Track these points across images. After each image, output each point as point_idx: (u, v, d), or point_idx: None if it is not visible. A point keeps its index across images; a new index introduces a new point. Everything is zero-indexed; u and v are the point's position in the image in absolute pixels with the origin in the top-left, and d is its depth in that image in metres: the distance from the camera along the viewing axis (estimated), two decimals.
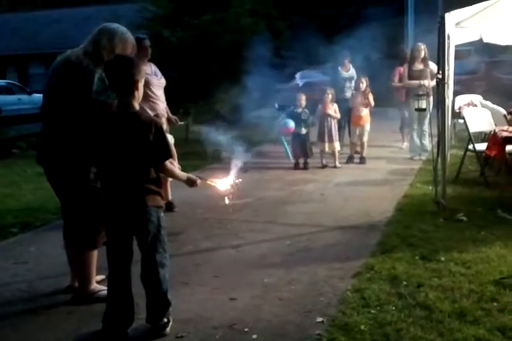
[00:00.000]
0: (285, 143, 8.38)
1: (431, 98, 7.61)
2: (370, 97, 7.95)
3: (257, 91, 12.55)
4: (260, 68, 11.56)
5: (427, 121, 7.88)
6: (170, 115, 5.62)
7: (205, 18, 11.49)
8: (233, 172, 3.37)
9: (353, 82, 8.53)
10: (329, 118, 7.72)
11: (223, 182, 3.30)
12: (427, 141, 7.95)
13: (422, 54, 7.90)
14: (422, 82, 7.76)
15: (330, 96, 7.74)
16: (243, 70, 11.45)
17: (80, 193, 3.20)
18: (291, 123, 7.74)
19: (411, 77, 7.93)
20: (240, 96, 12.38)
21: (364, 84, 7.93)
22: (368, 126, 8.00)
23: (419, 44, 8.16)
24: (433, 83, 7.67)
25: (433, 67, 7.92)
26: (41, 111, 3.33)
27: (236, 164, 3.40)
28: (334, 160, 7.74)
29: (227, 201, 3.33)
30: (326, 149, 7.73)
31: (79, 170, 3.16)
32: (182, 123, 5.98)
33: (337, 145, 7.78)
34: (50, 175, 3.28)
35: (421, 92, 7.24)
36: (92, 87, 3.09)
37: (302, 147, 7.74)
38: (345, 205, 5.57)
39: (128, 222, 2.82)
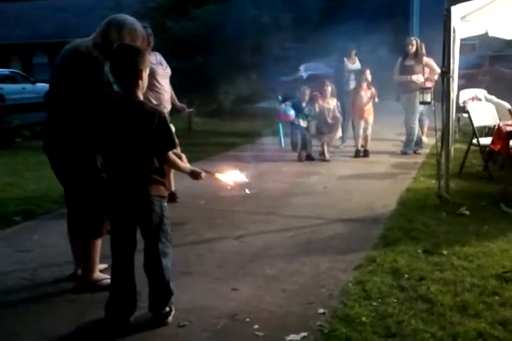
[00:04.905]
0: (280, 130, 8.37)
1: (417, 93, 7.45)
2: (373, 91, 7.93)
3: (261, 83, 12.56)
4: (264, 60, 11.54)
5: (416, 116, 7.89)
6: (177, 103, 5.61)
7: (207, 8, 11.45)
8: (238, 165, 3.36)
9: None
10: (326, 111, 7.71)
11: (228, 175, 3.29)
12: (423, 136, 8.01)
13: (413, 49, 7.82)
14: (409, 77, 7.72)
15: (329, 89, 7.72)
16: (246, 62, 11.43)
17: (85, 182, 3.20)
18: (292, 112, 7.75)
19: (401, 72, 7.88)
20: (244, 87, 12.38)
21: (369, 76, 7.91)
22: (371, 119, 8.00)
23: (411, 38, 8.07)
24: (421, 79, 7.65)
25: (430, 62, 7.89)
26: (46, 99, 3.32)
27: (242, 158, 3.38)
28: (326, 150, 7.74)
29: (247, 191, 3.29)
30: (325, 140, 7.73)
31: (84, 158, 3.16)
32: (191, 110, 5.93)
33: (336, 136, 7.80)
34: (56, 163, 3.27)
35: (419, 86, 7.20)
36: (101, 78, 3.09)
37: (302, 140, 7.74)
38: (348, 198, 5.57)
39: (131, 211, 2.83)
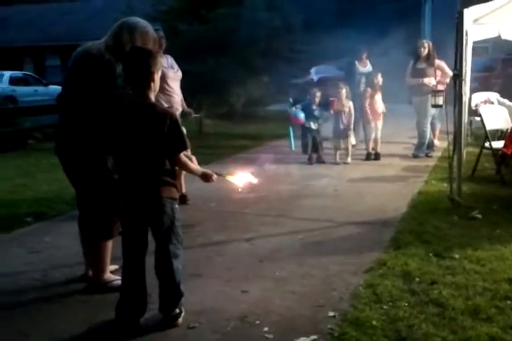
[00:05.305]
0: (291, 133, 8.37)
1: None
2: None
3: (272, 85, 12.57)
4: (275, 62, 11.55)
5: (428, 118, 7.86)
6: (185, 107, 5.63)
7: (220, 11, 11.48)
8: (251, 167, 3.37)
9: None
10: (343, 115, 7.69)
11: (239, 178, 3.29)
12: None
13: (425, 51, 7.77)
14: (421, 80, 7.68)
15: (344, 91, 7.70)
16: (258, 64, 11.45)
17: (96, 183, 3.22)
18: (302, 115, 7.76)
19: (413, 75, 7.84)
20: (255, 90, 12.39)
21: (380, 79, 7.90)
22: (381, 122, 7.99)
23: (423, 41, 8.03)
24: (433, 81, 7.61)
25: (442, 65, 7.85)
26: (59, 101, 3.34)
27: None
28: (346, 155, 7.73)
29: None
30: (341, 145, 7.72)
31: (96, 160, 3.18)
32: (197, 115, 5.95)
33: (352, 140, 7.77)
34: (67, 165, 3.29)
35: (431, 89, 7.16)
36: (113, 81, 3.10)
37: (313, 142, 7.74)
38: (358, 201, 5.55)
39: (143, 213, 2.83)
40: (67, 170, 3.33)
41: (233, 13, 11.31)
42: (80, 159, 3.21)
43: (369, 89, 7.97)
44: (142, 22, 3.29)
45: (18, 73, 20.73)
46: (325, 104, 7.96)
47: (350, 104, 7.77)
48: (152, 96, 2.86)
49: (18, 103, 18.20)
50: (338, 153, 7.75)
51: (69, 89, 3.28)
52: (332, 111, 7.76)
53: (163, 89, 4.97)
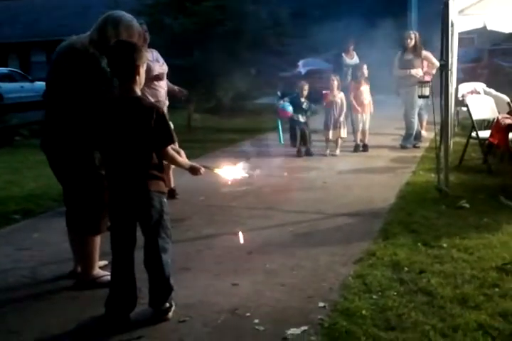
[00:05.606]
0: (280, 127, 8.38)
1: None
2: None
3: (260, 79, 12.53)
4: (263, 56, 11.51)
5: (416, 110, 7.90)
6: (174, 87, 5.59)
7: (206, 4, 11.40)
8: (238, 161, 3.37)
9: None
10: (335, 106, 7.70)
11: (227, 171, 3.29)
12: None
13: (412, 43, 7.79)
14: (408, 71, 7.70)
15: (336, 83, 7.70)
16: (245, 58, 11.40)
17: (83, 179, 3.19)
18: (290, 108, 7.76)
19: (400, 66, 7.85)
20: (242, 83, 12.35)
21: (365, 71, 7.92)
22: (369, 114, 8.00)
23: (410, 32, 8.05)
24: (420, 72, 7.63)
25: (429, 56, 7.87)
26: (44, 97, 3.31)
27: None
28: (335, 147, 7.74)
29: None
30: (331, 137, 7.73)
31: (82, 155, 3.16)
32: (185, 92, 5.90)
33: (342, 133, 7.76)
34: (54, 161, 3.27)
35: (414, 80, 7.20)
36: (97, 75, 3.08)
37: (301, 135, 7.74)
38: (347, 193, 5.57)
39: (131, 207, 2.82)
40: (53, 166, 3.31)
41: (219, 5, 11.24)
42: (67, 155, 3.19)
43: (362, 80, 7.97)
44: (127, 16, 3.27)
45: (3, 69, 20.53)
46: (314, 97, 7.95)
47: (342, 95, 7.78)
48: (138, 90, 2.84)
49: (3, 100, 18.04)
50: (328, 144, 7.76)
51: (53, 84, 3.25)
52: (325, 104, 7.77)
53: (149, 83, 4.94)
